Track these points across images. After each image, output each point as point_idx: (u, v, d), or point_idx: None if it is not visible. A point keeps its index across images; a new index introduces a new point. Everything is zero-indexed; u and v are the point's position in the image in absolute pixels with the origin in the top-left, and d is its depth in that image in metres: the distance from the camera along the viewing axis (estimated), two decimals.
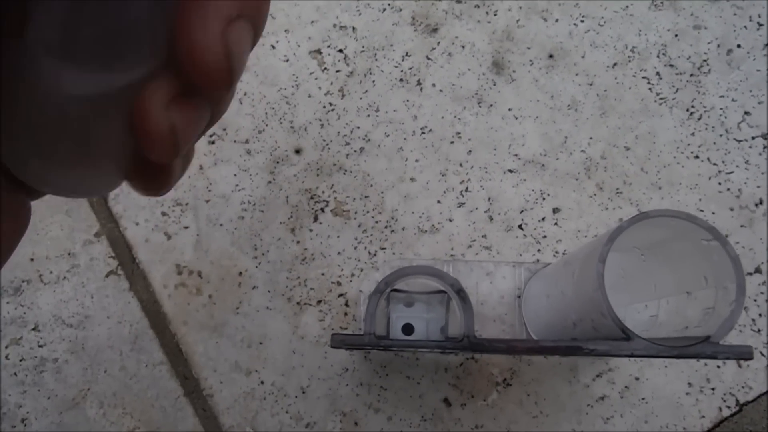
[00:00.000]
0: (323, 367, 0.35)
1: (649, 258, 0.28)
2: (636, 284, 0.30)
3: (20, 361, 0.36)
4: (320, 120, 0.38)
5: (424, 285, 0.26)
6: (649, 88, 0.38)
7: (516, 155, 0.37)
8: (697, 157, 0.37)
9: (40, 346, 0.36)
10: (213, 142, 0.38)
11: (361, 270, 0.36)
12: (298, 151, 0.38)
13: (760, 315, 0.35)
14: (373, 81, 0.39)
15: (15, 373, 0.36)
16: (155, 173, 0.15)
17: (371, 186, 0.37)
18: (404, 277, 0.22)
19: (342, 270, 0.36)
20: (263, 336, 0.36)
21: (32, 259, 0.37)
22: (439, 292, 0.27)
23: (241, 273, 0.36)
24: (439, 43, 0.39)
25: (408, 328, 0.33)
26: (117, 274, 0.37)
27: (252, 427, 0.35)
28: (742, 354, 0.21)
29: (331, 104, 0.39)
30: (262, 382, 0.35)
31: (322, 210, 0.37)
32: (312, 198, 0.37)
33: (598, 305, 0.22)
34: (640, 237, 0.25)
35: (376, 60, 0.39)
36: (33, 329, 0.36)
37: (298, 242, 0.37)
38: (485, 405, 0.34)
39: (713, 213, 0.36)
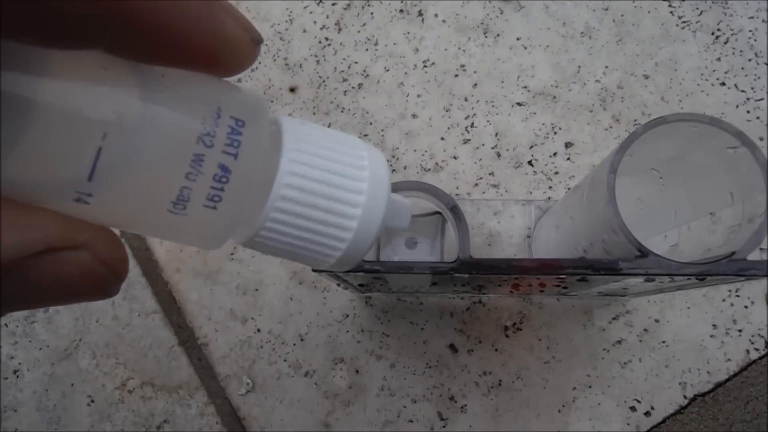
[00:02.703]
0: (322, 313, 0.33)
1: (669, 181, 0.25)
2: (655, 215, 0.27)
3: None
4: (316, 56, 0.36)
5: (417, 206, 0.24)
6: (671, 11, 0.35)
7: (525, 87, 0.35)
8: (723, 84, 0.34)
9: None
10: None
11: None
12: (293, 90, 0.36)
13: None
14: (372, 13, 0.36)
15: (6, 324, 0.35)
16: None
17: (371, 124, 0.35)
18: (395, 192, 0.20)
19: None
20: (259, 282, 0.34)
21: None
22: (434, 214, 0.24)
23: None
24: None
25: None
26: None
27: (249, 376, 0.33)
28: None
29: (327, 39, 0.36)
30: (258, 330, 0.34)
31: None
32: None
33: (609, 221, 0.20)
34: (656, 151, 0.23)
35: None
36: None
37: None
38: (494, 351, 0.32)
39: None
